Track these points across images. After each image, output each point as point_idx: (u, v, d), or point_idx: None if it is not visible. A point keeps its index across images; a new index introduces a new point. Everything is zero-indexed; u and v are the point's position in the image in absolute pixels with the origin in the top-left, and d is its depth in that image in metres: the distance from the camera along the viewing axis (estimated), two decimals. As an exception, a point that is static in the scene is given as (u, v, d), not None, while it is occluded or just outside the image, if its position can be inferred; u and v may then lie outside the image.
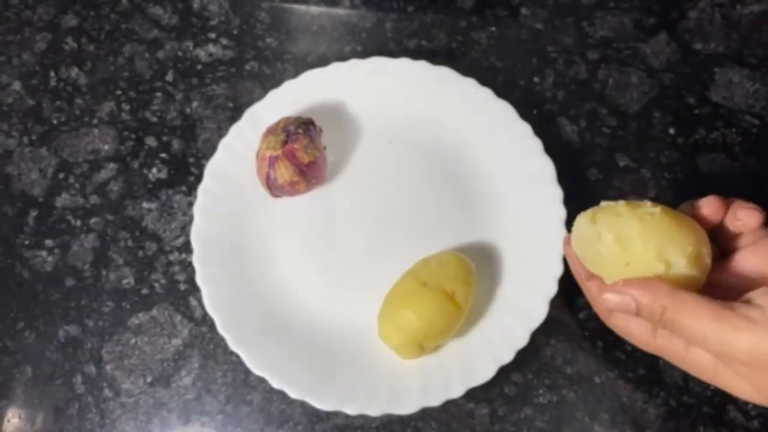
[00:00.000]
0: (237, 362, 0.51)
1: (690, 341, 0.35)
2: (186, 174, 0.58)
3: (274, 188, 0.53)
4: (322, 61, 0.60)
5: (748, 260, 0.38)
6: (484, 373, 0.47)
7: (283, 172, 0.52)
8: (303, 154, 0.52)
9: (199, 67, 0.62)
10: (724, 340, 0.32)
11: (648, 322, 0.38)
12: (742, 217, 0.39)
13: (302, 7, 0.64)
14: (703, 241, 0.38)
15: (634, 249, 0.38)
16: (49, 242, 0.56)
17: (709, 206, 0.40)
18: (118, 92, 0.61)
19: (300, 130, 0.52)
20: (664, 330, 0.37)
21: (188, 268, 0.54)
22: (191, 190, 0.57)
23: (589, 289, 0.42)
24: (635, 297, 0.37)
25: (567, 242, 0.43)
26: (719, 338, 0.32)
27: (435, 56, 0.60)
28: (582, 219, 0.42)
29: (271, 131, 0.53)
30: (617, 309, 0.38)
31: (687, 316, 0.34)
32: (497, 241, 0.52)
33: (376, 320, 0.49)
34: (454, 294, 0.47)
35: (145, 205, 0.57)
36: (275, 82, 0.59)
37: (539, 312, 0.48)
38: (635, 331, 0.40)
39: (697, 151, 0.57)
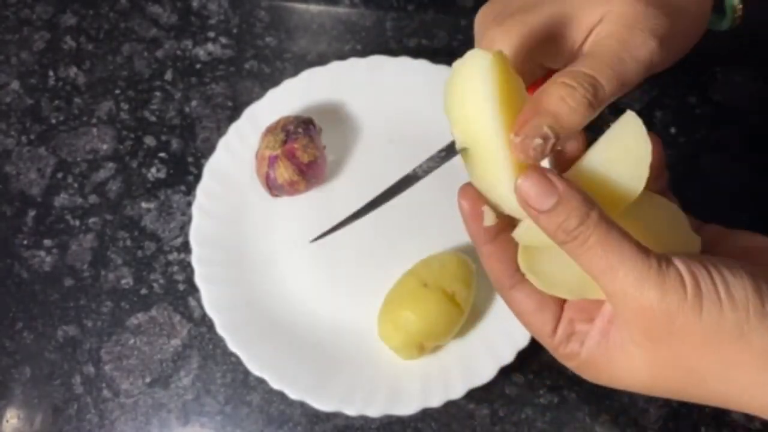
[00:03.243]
0: (236, 363, 0.50)
1: (594, 275, 0.28)
2: (185, 173, 0.58)
3: (273, 188, 0.52)
4: (322, 60, 0.60)
5: None
6: (485, 373, 0.47)
7: (283, 172, 0.51)
8: (303, 154, 0.51)
9: (198, 66, 0.62)
10: (634, 284, 0.27)
11: (550, 235, 0.29)
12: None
13: (302, 6, 0.64)
14: None
15: None
16: (47, 242, 0.56)
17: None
18: (117, 91, 0.61)
19: (299, 130, 0.52)
20: (564, 330, 0.32)
21: (187, 268, 0.54)
22: (190, 190, 0.57)
23: (487, 255, 0.33)
24: (561, 191, 0.28)
25: (462, 195, 0.33)
26: (629, 282, 0.27)
27: (435, 55, 0.60)
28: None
29: (270, 130, 0.53)
30: (528, 201, 0.29)
31: (602, 254, 0.28)
32: (498, 241, 0.52)
33: (376, 320, 0.49)
34: (455, 295, 0.47)
35: (143, 204, 0.57)
36: (275, 81, 0.59)
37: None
38: (535, 320, 0.32)
39: (699, 150, 0.57)
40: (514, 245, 0.32)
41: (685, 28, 0.36)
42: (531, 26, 0.35)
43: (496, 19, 0.35)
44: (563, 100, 0.32)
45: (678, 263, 0.27)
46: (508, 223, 0.32)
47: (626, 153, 0.31)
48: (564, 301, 0.32)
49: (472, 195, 0.32)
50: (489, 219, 0.31)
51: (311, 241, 0.41)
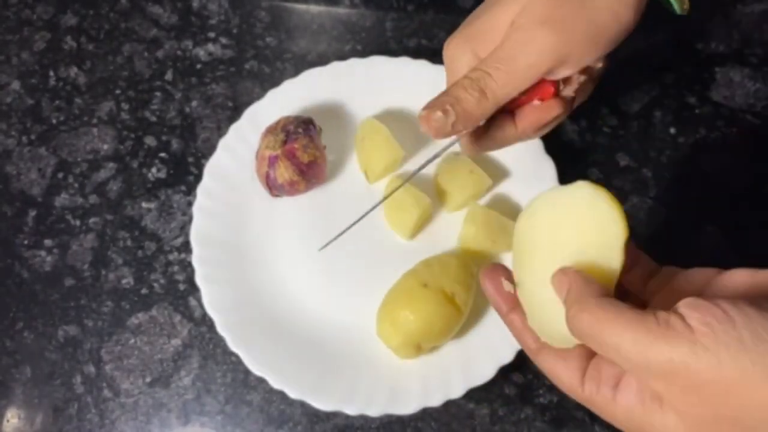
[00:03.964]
0: (236, 362, 0.50)
1: (603, 352, 0.29)
2: (185, 173, 0.58)
3: (273, 188, 0.53)
4: (322, 60, 0.60)
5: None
6: (485, 373, 0.47)
7: (283, 172, 0.51)
8: (303, 154, 0.52)
9: (198, 66, 0.62)
10: (641, 349, 0.27)
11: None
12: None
13: (302, 6, 0.64)
14: None
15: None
16: (48, 242, 0.56)
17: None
18: (118, 91, 0.61)
19: (300, 130, 0.52)
20: (591, 379, 0.32)
21: (188, 268, 0.54)
22: (191, 190, 0.57)
23: (513, 322, 0.35)
24: (571, 283, 0.30)
25: (484, 274, 0.36)
26: (636, 348, 0.27)
27: (435, 55, 0.60)
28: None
29: (270, 131, 0.53)
30: (561, 294, 0.31)
31: (603, 324, 0.28)
32: (497, 241, 0.52)
33: (376, 321, 0.49)
34: (455, 296, 0.47)
35: (144, 204, 0.57)
36: (275, 81, 0.59)
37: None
38: (562, 375, 0.33)
39: (699, 150, 0.57)
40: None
41: (599, 21, 0.39)
42: (476, 31, 0.41)
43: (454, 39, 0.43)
44: (464, 87, 0.39)
45: (682, 310, 0.27)
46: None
47: (599, 236, 0.31)
48: (591, 355, 0.32)
49: (495, 275, 0.35)
50: (508, 286, 0.34)
51: (320, 249, 0.41)
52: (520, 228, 0.33)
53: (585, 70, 0.41)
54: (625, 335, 0.27)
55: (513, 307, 0.34)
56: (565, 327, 0.30)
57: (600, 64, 0.41)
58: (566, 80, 0.41)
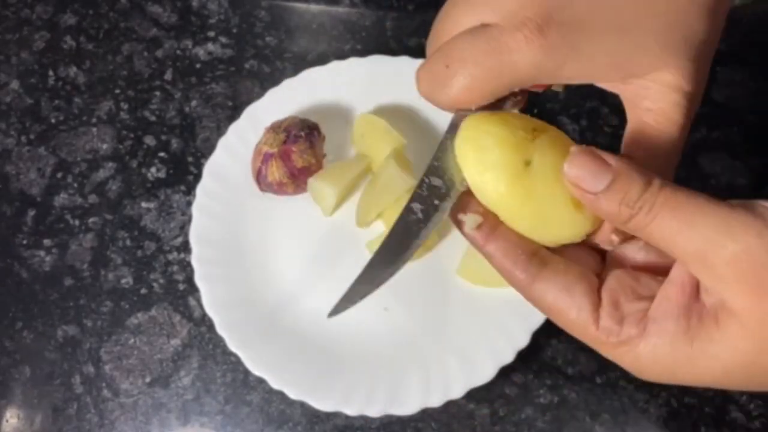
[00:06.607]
0: (236, 362, 0.50)
1: (665, 245, 0.25)
2: (185, 173, 0.58)
3: (262, 183, 0.53)
4: (322, 60, 0.60)
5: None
6: (485, 373, 0.47)
7: (274, 171, 0.51)
8: (298, 158, 0.51)
9: (198, 65, 0.62)
10: (714, 237, 0.23)
11: (612, 217, 0.26)
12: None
13: (302, 6, 0.64)
14: None
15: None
16: (47, 242, 0.56)
17: None
18: (117, 91, 0.61)
19: (302, 134, 0.52)
20: (609, 316, 0.26)
21: (187, 267, 0.54)
22: (190, 190, 0.57)
23: (494, 252, 0.28)
24: (615, 166, 0.25)
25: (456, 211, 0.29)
26: (711, 236, 0.23)
27: (435, 55, 0.60)
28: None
29: (274, 128, 0.53)
30: (582, 186, 0.26)
31: (673, 214, 0.24)
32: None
33: (376, 321, 0.49)
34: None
35: (143, 204, 0.57)
36: (275, 80, 0.59)
37: (540, 312, 0.48)
38: (569, 310, 0.27)
39: (699, 150, 0.57)
40: (516, 235, 0.28)
41: None
42: None
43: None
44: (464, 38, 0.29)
45: (761, 201, 0.24)
46: (496, 221, 0.28)
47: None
48: (600, 285, 0.27)
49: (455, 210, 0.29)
50: (470, 223, 0.29)
51: (329, 316, 0.36)
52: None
53: None
54: (702, 216, 0.23)
55: (491, 233, 0.28)
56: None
57: None
58: None
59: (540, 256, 0.28)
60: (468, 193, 0.29)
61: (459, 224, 0.29)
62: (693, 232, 0.24)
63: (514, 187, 0.28)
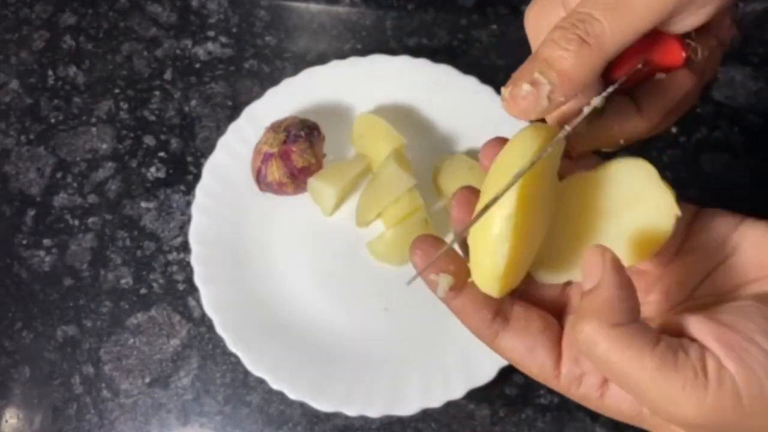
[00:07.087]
0: (236, 363, 0.50)
1: (618, 384, 0.25)
2: (184, 173, 0.58)
3: (261, 183, 0.52)
4: (322, 59, 0.60)
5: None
6: (485, 373, 0.47)
7: (274, 171, 0.51)
8: (298, 158, 0.51)
9: (197, 65, 0.62)
10: (669, 399, 0.24)
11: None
12: None
13: (302, 5, 0.64)
14: None
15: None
16: (47, 242, 0.55)
17: None
18: (117, 91, 0.61)
19: (302, 133, 0.52)
20: (570, 371, 0.28)
21: (187, 267, 0.54)
22: (190, 189, 0.57)
23: (461, 306, 0.30)
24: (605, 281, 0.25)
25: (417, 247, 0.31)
26: (663, 397, 0.24)
27: (435, 54, 0.60)
28: None
29: (274, 127, 0.53)
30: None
31: (628, 361, 0.24)
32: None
33: (376, 321, 0.49)
34: None
35: (143, 204, 0.57)
36: (274, 80, 0.59)
37: None
38: (531, 366, 0.29)
39: (700, 150, 0.57)
40: (482, 294, 0.29)
41: None
42: None
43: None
44: (554, 42, 0.28)
45: (712, 346, 0.24)
46: (466, 277, 0.29)
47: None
48: (560, 337, 0.29)
49: (426, 256, 0.30)
50: (443, 285, 0.30)
51: None
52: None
53: (713, 31, 0.31)
54: (652, 385, 0.24)
55: (459, 291, 0.30)
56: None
57: (729, 25, 0.32)
58: (693, 43, 0.31)
59: (503, 314, 0.30)
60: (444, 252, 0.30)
61: (431, 285, 0.30)
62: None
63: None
